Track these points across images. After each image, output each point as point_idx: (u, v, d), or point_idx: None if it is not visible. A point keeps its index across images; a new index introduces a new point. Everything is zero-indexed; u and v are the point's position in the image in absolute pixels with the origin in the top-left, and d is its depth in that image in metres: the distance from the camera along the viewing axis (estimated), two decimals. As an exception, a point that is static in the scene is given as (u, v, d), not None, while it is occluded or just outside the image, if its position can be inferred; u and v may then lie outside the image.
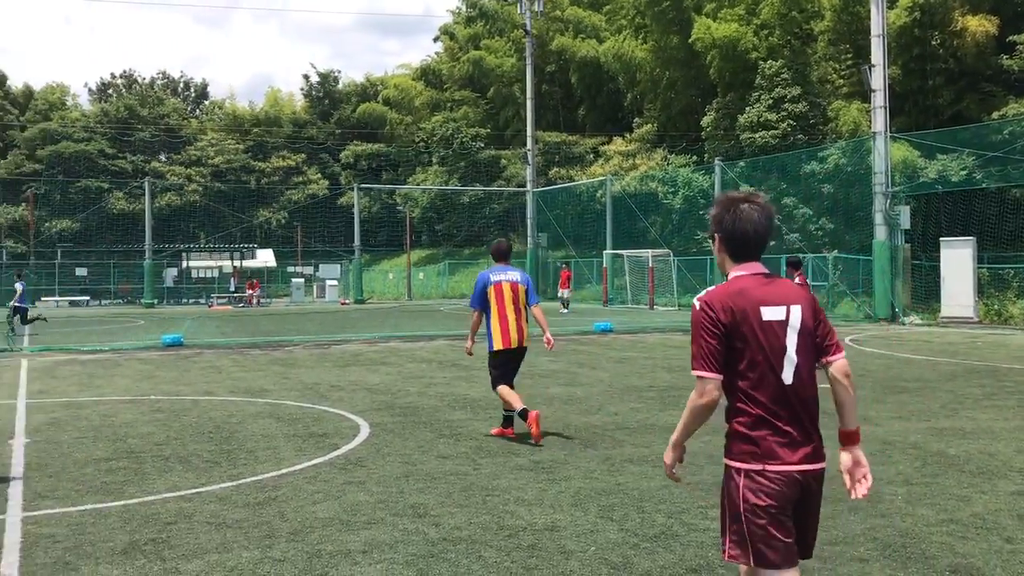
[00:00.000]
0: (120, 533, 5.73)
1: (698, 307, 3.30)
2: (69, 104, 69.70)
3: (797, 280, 14.37)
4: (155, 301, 45.46)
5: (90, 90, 75.05)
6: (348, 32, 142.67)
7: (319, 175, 66.45)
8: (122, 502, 6.53)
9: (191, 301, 50.18)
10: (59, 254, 55.23)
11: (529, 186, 47.50)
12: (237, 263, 54.13)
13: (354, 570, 5.00)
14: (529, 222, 47.30)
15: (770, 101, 37.72)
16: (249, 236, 61.29)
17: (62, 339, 21.99)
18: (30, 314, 27.05)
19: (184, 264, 55.07)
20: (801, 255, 32.36)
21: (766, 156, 36.09)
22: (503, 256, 9.17)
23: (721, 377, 3.25)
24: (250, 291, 46.86)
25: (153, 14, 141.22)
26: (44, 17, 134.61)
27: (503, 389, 8.87)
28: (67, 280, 51.80)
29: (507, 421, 8.95)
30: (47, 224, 58.65)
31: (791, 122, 37.22)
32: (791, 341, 3.25)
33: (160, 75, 75.75)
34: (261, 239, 61.53)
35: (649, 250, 37.69)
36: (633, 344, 19.70)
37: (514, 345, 8.83)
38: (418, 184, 59.46)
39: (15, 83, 68.28)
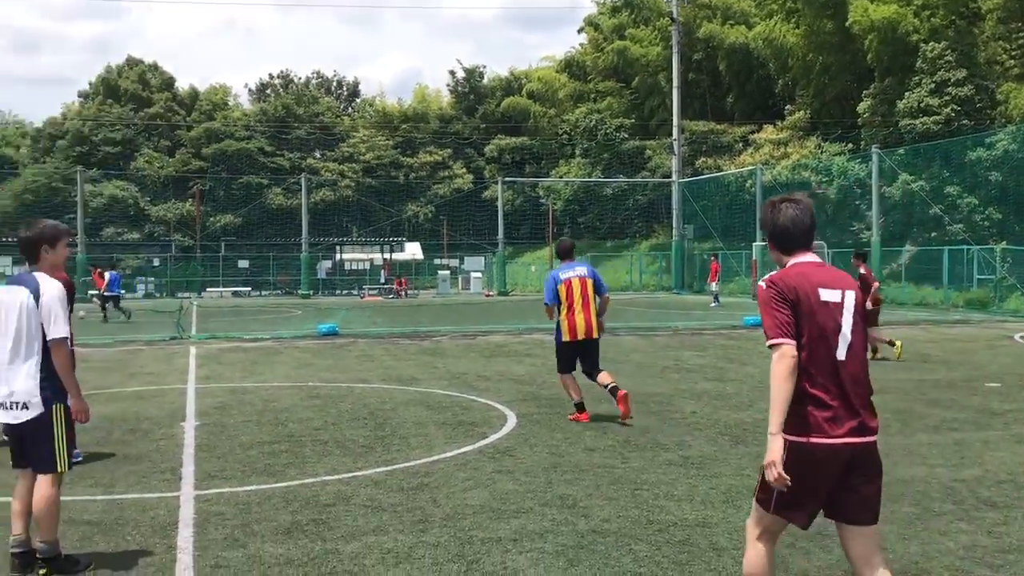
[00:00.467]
0: (283, 513, 6.00)
1: (764, 287, 3.62)
2: (231, 104, 73.24)
3: (862, 271, 14.89)
4: (311, 292, 47.34)
5: (250, 91, 78.69)
6: (492, 27, 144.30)
7: (464, 169, 67.51)
8: (284, 484, 6.84)
9: (344, 292, 51.98)
10: (223, 247, 58.24)
11: (675, 176, 46.81)
12: (387, 256, 55.70)
13: (505, 558, 5.07)
14: (675, 213, 46.63)
15: (932, 85, 35.85)
16: (398, 230, 62.95)
17: (227, 327, 23.18)
18: (121, 304, 29.21)
19: (338, 257, 57.06)
20: (966, 247, 30.82)
21: (927, 143, 34.33)
22: (567, 254, 9.78)
23: (795, 343, 3.50)
24: (397, 286, 48.27)
25: (307, 16, 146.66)
26: (206, 22, 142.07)
27: (565, 378, 9.62)
28: (230, 272, 54.58)
29: (579, 408, 9.55)
30: (212, 218, 61.91)
31: (955, 107, 35.26)
32: (847, 321, 3.55)
33: (314, 75, 78.60)
34: (409, 232, 63.09)
35: (801, 242, 36.42)
36: (783, 338, 19.13)
37: (581, 337, 9.44)
38: (561, 176, 59.57)
39: (182, 85, 72.24)
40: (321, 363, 15.28)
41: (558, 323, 9.58)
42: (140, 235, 60.64)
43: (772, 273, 3.69)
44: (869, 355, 13.79)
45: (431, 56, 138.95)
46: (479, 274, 53.39)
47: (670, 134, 48.39)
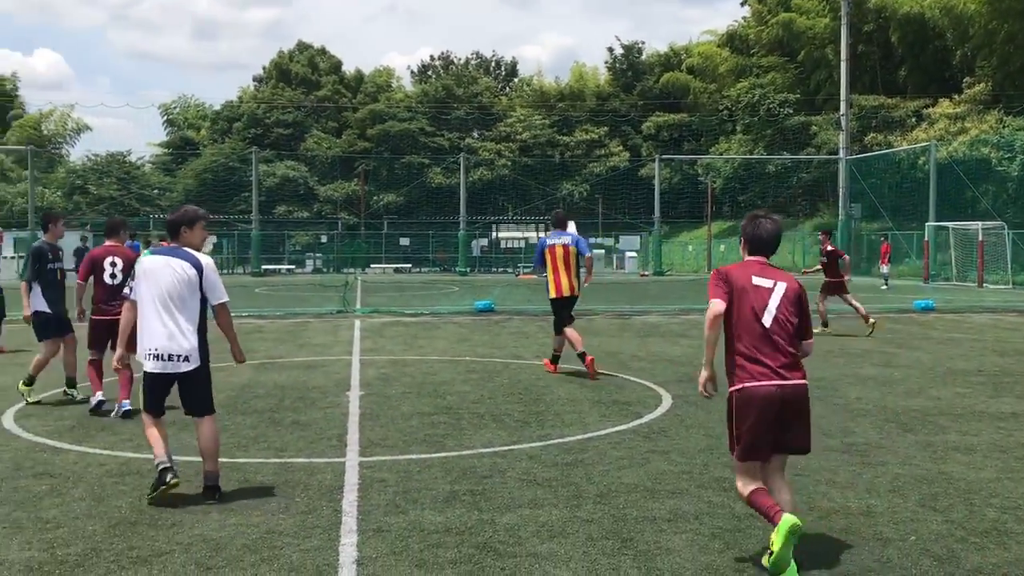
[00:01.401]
0: (442, 483, 6.18)
1: (714, 272, 4.90)
2: (394, 86, 75.30)
3: (829, 247, 16.62)
4: (467, 270, 48.27)
5: (412, 72, 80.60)
6: (651, 3, 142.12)
7: (621, 147, 66.98)
8: (443, 454, 7.03)
9: (499, 270, 52.71)
10: (385, 225, 60.15)
11: (842, 153, 44.92)
12: (542, 234, 56.05)
13: (660, 537, 5.05)
14: (841, 192, 44.77)
15: None
16: (553, 208, 63.21)
17: (389, 302, 23.95)
18: None
19: (494, 235, 57.88)
20: None
21: None
22: (560, 224, 11.58)
23: (724, 304, 4.73)
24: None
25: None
26: (371, 6, 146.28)
27: (569, 331, 11.09)
28: (392, 249, 56.34)
29: (555, 359, 11.41)
30: (375, 197, 63.96)
31: None
32: (773, 301, 4.74)
33: (474, 55, 79.73)
34: (564, 211, 63.24)
35: (979, 222, 34.35)
36: (958, 324, 18.13)
37: (565, 294, 11.22)
38: (721, 153, 58.21)
39: (348, 69, 74.83)
40: (477, 338, 15.58)
41: (546, 284, 11.34)
42: (309, 213, 63.33)
43: (722, 266, 5.08)
44: (819, 329, 13.00)
45: (589, 34, 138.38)
46: (634, 254, 52.97)
47: (837, 109, 46.45)
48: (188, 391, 5.94)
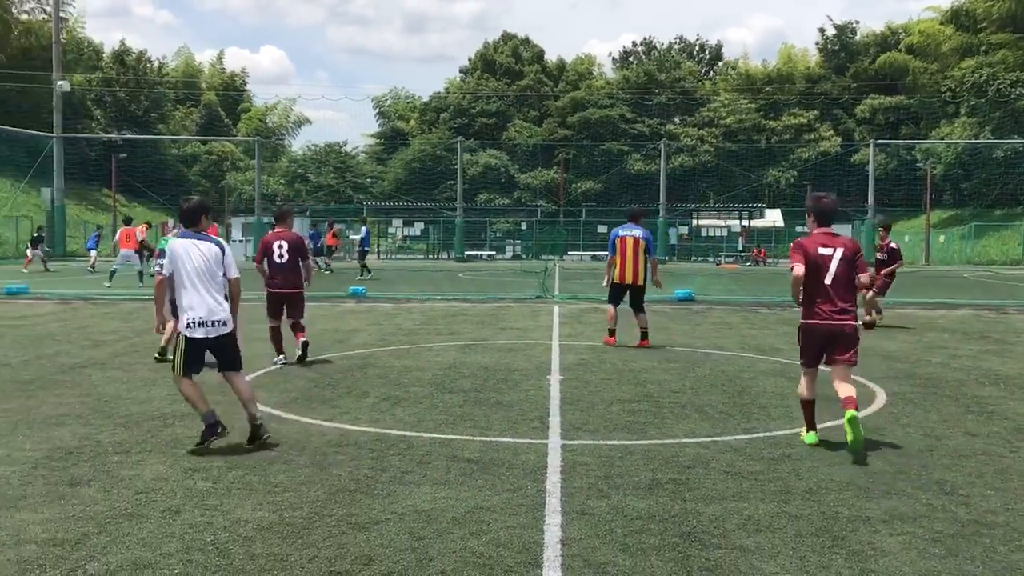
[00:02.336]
0: (644, 470, 6.16)
1: (793, 243, 7.00)
2: (595, 74, 75.43)
3: (893, 245, 16.13)
4: (665, 258, 47.74)
5: (613, 59, 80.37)
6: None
7: (831, 132, 64.16)
8: (644, 441, 7.01)
9: (699, 259, 51.80)
10: (584, 212, 60.43)
11: (1083, 137, 41.04)
12: (745, 223, 54.60)
13: (874, 538, 4.83)
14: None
15: None
16: (757, 196, 61.40)
17: (587, 289, 24.06)
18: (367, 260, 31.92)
19: (694, 223, 56.92)
20: None
21: None
22: (634, 218, 12.96)
23: (803, 267, 6.77)
24: (756, 254, 47.18)
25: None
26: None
27: (611, 309, 12.88)
28: (590, 236, 56.56)
29: (610, 333, 12.87)
30: (574, 185, 64.43)
31: None
32: (833, 263, 6.75)
33: (677, 40, 78.54)
34: (769, 199, 61.29)
35: None
36: None
37: (628, 281, 12.58)
38: (942, 138, 54.54)
39: (550, 57, 75.59)
40: (677, 327, 15.39)
41: (610, 270, 12.78)
42: (510, 200, 64.61)
43: (800, 238, 7.11)
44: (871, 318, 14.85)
45: (798, 14, 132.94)
46: (844, 243, 50.60)
47: (1079, 87, 42.39)
48: (223, 351, 6.85)
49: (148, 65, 73.59)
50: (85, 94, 62.84)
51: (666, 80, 68.99)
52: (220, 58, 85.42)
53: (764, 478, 5.98)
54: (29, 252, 33.46)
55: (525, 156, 67.04)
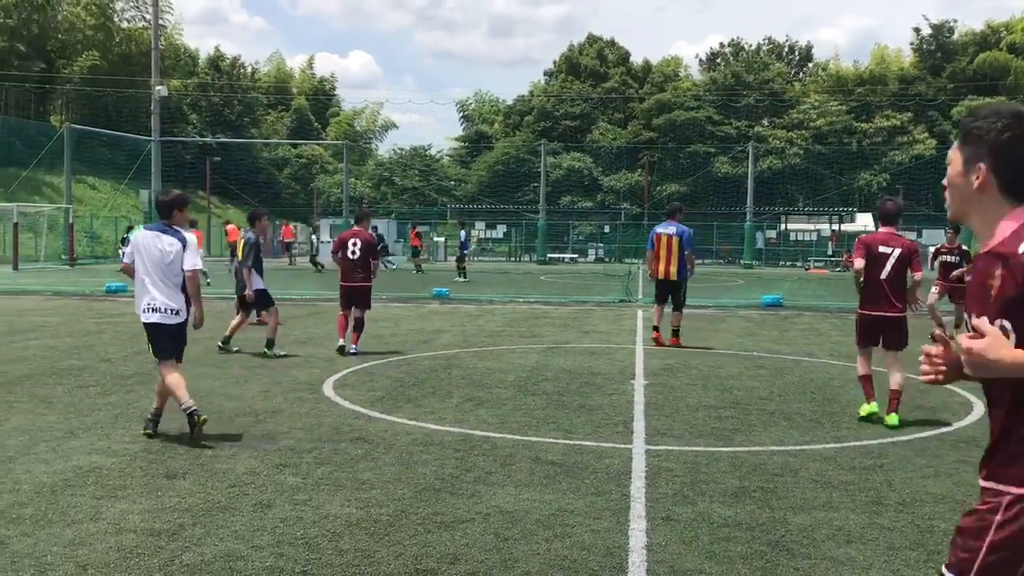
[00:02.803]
0: (730, 477, 6.08)
1: (859, 239, 8.06)
2: (681, 75, 74.63)
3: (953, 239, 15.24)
4: (752, 262, 46.96)
5: (700, 61, 79.34)
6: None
7: (926, 134, 62.16)
8: (731, 448, 6.91)
9: (787, 263, 50.82)
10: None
11: None
12: (835, 227, 53.35)
13: (972, 554, 4.66)
14: None
15: None
16: (848, 199, 59.90)
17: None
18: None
19: (782, 227, 55.82)
20: None
21: None
22: (671, 215, 13.44)
23: (864, 262, 7.81)
24: (847, 259, 46.05)
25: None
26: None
27: (657, 307, 13.30)
28: (675, 240, 55.87)
29: (656, 330, 13.25)
30: (659, 188, 63.83)
31: None
32: (890, 262, 7.74)
33: (766, 41, 77.08)
34: (860, 203, 59.71)
35: None
36: None
37: (661, 276, 13.08)
38: (1046, 140, 52.38)
39: (636, 59, 75.03)
40: (765, 333, 15.13)
41: (648, 266, 13.40)
42: (593, 203, 64.35)
43: (864, 235, 8.27)
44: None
45: (892, 14, 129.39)
46: (939, 248, 49.05)
47: None
48: (172, 339, 7.07)
49: (242, 70, 75.69)
50: (181, 99, 64.91)
51: (754, 82, 67.82)
52: (310, 63, 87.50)
53: (855, 488, 5.83)
54: (121, 251, 34.38)
55: (609, 158, 66.70)
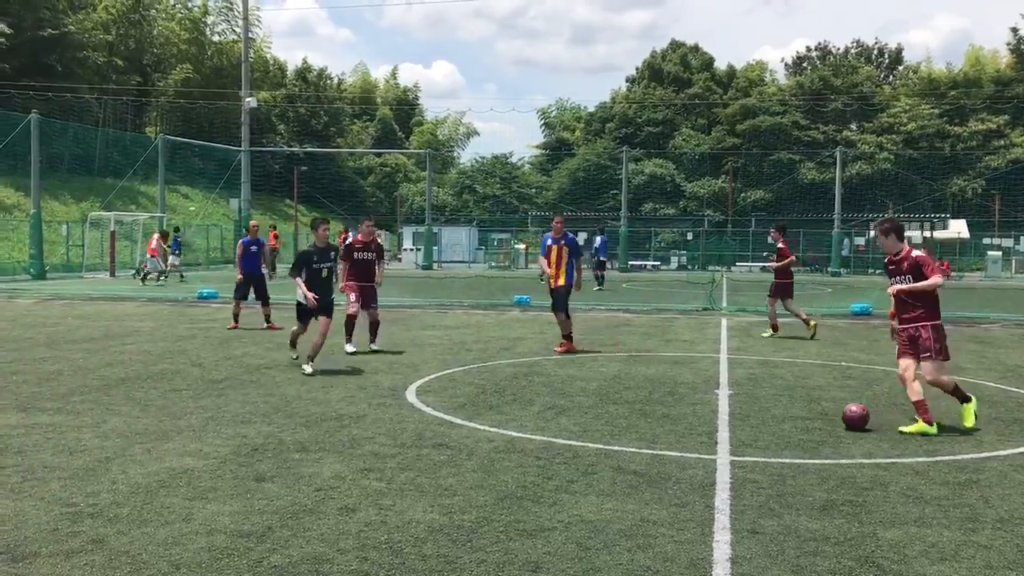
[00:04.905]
0: (818, 490, 5.94)
1: (929, 258, 8.06)
2: (767, 80, 73.44)
3: (780, 244, 16.62)
4: (840, 270, 45.86)
5: (786, 65, 77.98)
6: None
7: (1024, 138, 59.96)
8: (818, 461, 6.76)
9: (877, 272, 49.47)
10: (753, 222, 58.88)
11: None
12: (927, 234, 51.76)
13: (1076, 576, 4.47)
14: None
15: None
16: (940, 205, 58.12)
17: (756, 301, 23.43)
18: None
19: (870, 233, 54.33)
20: None
21: None
22: (558, 230, 13.40)
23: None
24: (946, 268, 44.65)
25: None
26: (745, 0, 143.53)
27: (555, 314, 13.36)
28: (759, 247, 55.06)
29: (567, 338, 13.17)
30: (743, 194, 62.90)
31: None
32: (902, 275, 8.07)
33: (854, 44, 75.39)
34: (954, 209, 57.89)
35: None
36: None
37: (553, 286, 13.25)
38: None
39: (720, 65, 74.11)
40: (854, 343, 14.77)
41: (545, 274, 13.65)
42: (675, 210, 63.73)
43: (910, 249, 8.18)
44: (768, 333, 15.71)
45: (987, 14, 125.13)
46: (1038, 256, 47.18)
47: None
48: None
49: (328, 81, 77.28)
50: (270, 110, 66.55)
51: (842, 85, 66.32)
52: (394, 73, 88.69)
53: (949, 504, 5.64)
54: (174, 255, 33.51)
55: (692, 165, 65.98)
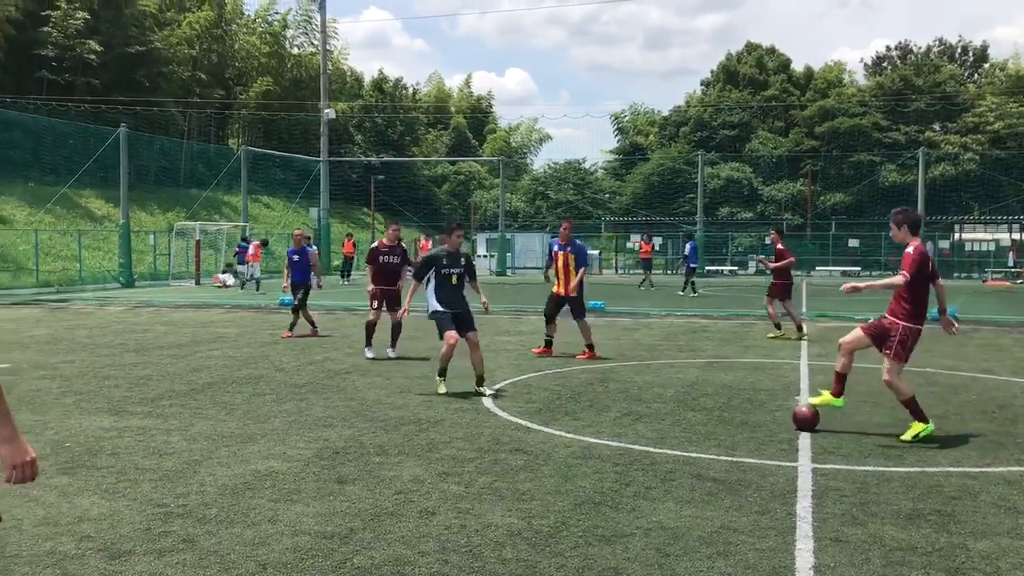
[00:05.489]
0: (903, 499, 5.81)
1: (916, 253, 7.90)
2: (845, 81, 71.95)
3: (779, 246, 16.94)
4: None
5: (865, 65, 76.35)
6: None
7: (1122, 135, 57.57)
8: (903, 469, 6.61)
9: (961, 276, 48.06)
10: (833, 226, 57.68)
11: None
12: (1016, 236, 50.08)
13: None
14: None
15: None
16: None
17: (837, 307, 22.96)
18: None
19: (956, 236, 52.89)
20: None
21: None
22: (564, 236, 13.28)
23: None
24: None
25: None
26: (821, 1, 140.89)
27: (550, 324, 13.54)
28: (839, 251, 53.92)
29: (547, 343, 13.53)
30: (822, 197, 61.67)
31: None
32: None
33: (936, 42, 73.45)
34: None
35: None
36: None
37: (563, 293, 13.30)
38: None
39: (797, 66, 72.82)
40: (938, 349, 14.36)
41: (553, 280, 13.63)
42: (752, 214, 62.82)
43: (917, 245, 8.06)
44: (773, 334, 16.22)
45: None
46: None
47: None
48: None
49: (403, 91, 78.28)
50: (348, 120, 67.66)
51: (924, 85, 64.58)
52: (468, 82, 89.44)
53: (1044, 515, 5.46)
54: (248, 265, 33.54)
55: (769, 168, 64.95)
